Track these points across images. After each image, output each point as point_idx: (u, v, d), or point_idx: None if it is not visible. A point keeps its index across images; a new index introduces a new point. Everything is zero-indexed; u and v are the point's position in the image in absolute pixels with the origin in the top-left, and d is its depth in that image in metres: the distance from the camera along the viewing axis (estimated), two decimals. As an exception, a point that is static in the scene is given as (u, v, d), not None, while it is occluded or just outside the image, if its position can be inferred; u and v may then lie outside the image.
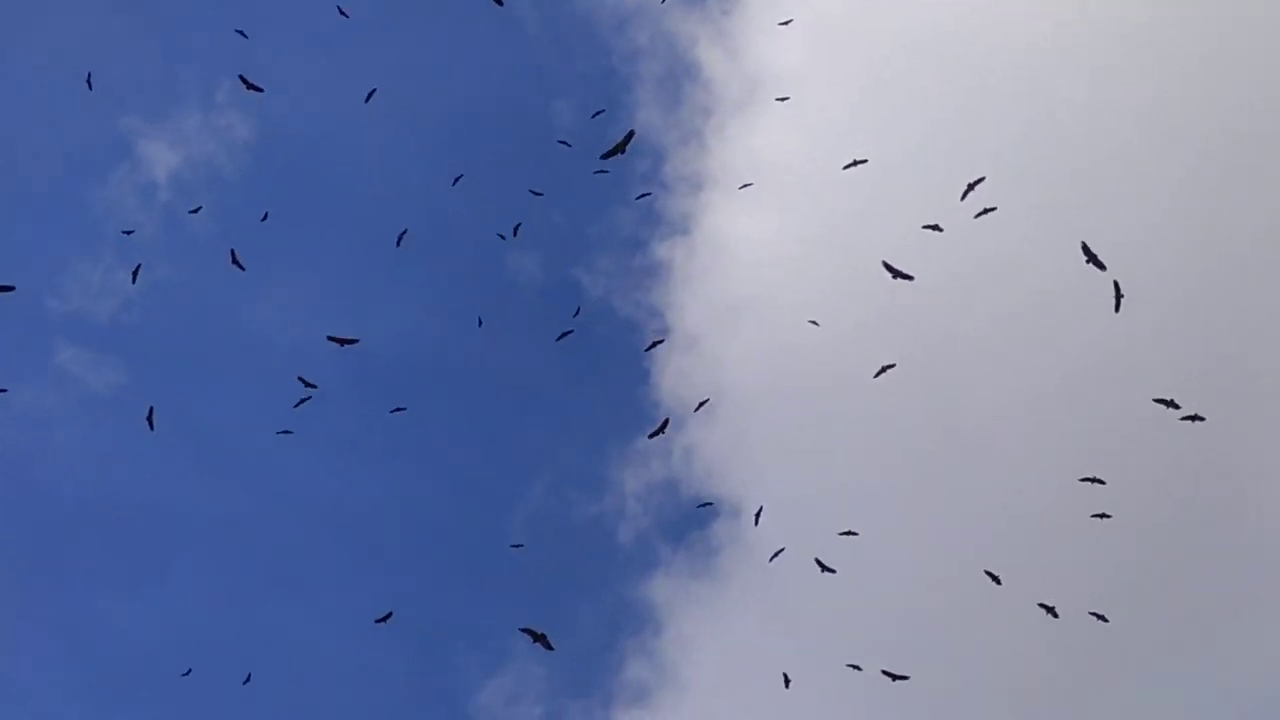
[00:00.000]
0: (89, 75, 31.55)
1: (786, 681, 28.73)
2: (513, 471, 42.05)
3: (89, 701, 39.08)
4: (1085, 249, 24.49)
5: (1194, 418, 26.35)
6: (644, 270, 42.46)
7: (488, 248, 36.50)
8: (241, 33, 30.66)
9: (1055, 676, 34.44)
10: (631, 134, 24.04)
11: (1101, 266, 24.51)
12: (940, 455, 36.41)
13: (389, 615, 29.40)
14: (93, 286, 40.59)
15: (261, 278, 31.74)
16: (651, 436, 29.70)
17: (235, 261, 29.81)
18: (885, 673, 27.47)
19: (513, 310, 41.28)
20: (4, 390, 28.83)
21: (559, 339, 31.14)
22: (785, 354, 37.19)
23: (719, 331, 40.73)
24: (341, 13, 30.98)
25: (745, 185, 34.49)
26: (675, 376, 39.80)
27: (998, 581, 27.29)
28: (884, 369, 28.40)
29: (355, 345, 28.52)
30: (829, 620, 35.63)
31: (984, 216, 26.88)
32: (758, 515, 29.57)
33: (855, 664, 28.29)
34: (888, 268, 26.36)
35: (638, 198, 41.42)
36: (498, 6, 29.67)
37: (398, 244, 30.87)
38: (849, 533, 28.31)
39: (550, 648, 25.98)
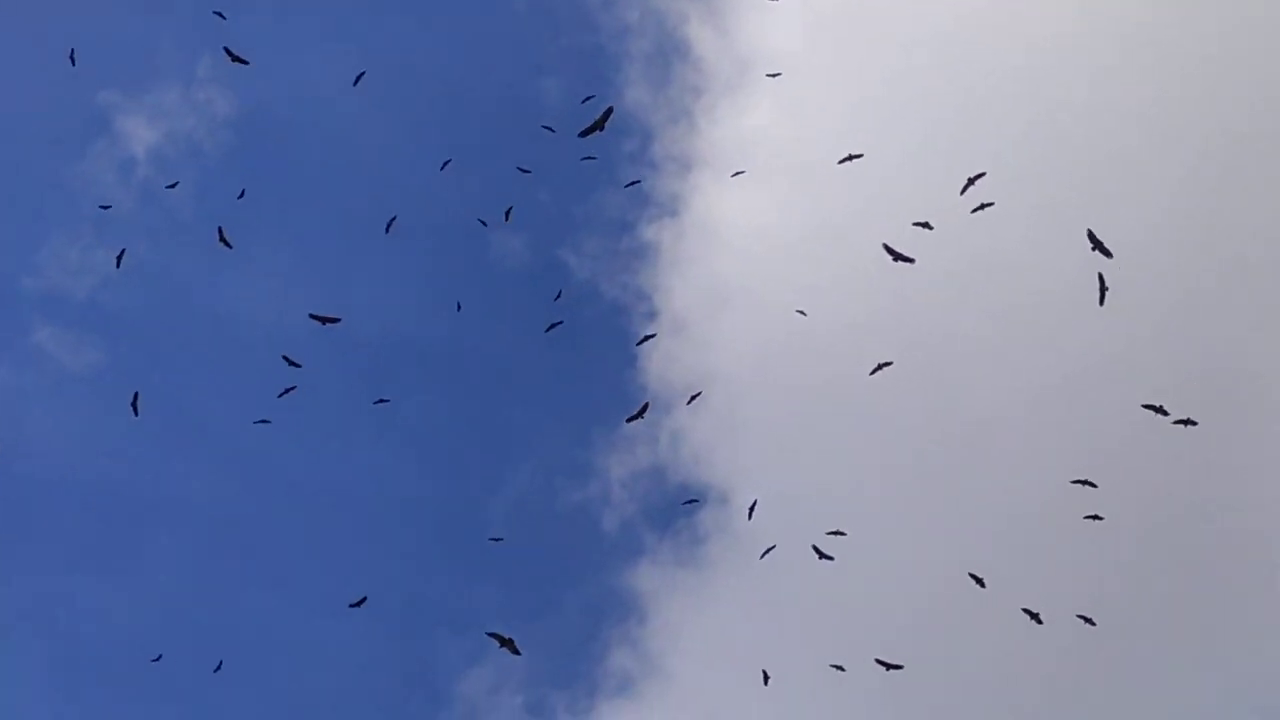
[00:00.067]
0: (72, 51, 30.87)
1: (766, 679, 28.53)
2: (496, 457, 41.59)
3: (61, 685, 38.71)
4: (1091, 236, 24.31)
5: (1186, 422, 26.05)
6: (632, 252, 42.03)
7: (472, 228, 35.78)
8: (220, 14, 29.85)
9: (1044, 676, 34.11)
10: (610, 110, 23.45)
11: (1108, 254, 24.39)
12: (934, 447, 36.08)
13: (363, 600, 28.88)
14: (70, 264, 40.12)
15: (242, 256, 31.16)
16: (630, 420, 29.15)
17: (222, 239, 29.28)
18: (879, 661, 27.13)
19: (497, 292, 40.88)
20: None
21: (548, 330, 30.52)
22: (776, 339, 36.73)
23: (708, 316, 40.36)
24: None
25: (737, 173, 33.84)
26: (663, 361, 39.34)
27: (981, 584, 27.04)
28: (880, 366, 28.15)
29: (337, 326, 28.16)
30: (817, 610, 35.40)
31: (981, 211, 26.79)
32: (751, 509, 29.33)
33: (838, 665, 28.18)
34: (889, 250, 26.14)
35: (627, 185, 41.17)
36: None
37: (386, 230, 30.18)
38: (837, 532, 27.81)
39: (517, 652, 25.51)
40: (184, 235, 39.75)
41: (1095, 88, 39.73)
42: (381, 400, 30.52)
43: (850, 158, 28.78)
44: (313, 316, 27.49)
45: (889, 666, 27.16)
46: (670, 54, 43.39)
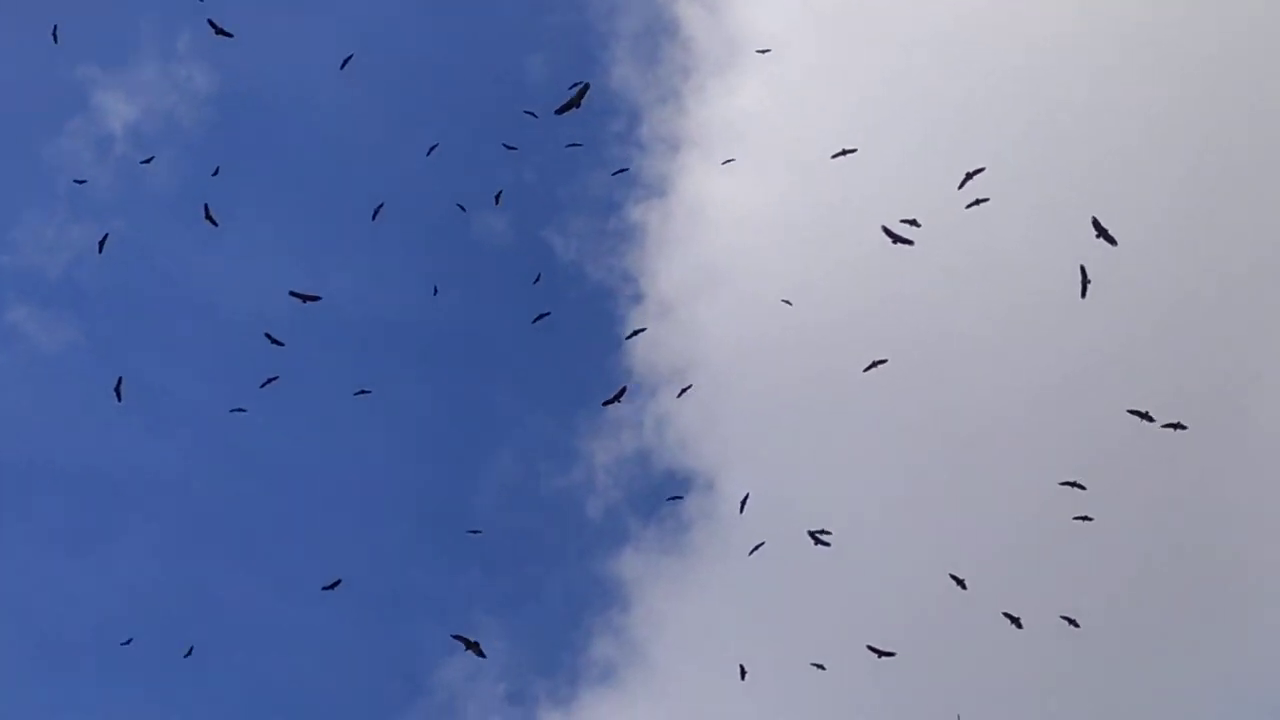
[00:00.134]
0: (55, 28, 30.24)
1: (743, 673, 28.14)
2: (479, 441, 41.28)
3: (34, 665, 38.27)
4: (1095, 224, 24.10)
5: (1176, 426, 25.78)
6: (618, 234, 41.61)
7: (456, 207, 35.34)
8: None
9: (1029, 675, 33.81)
10: (586, 87, 22.99)
11: (1112, 241, 24.09)
12: (924, 434, 35.67)
13: (337, 582, 28.35)
14: (45, 242, 39.66)
15: (222, 235, 30.77)
16: (607, 404, 28.68)
17: (208, 217, 28.73)
18: (871, 648, 26.71)
19: (481, 274, 40.50)
20: None
21: (535, 320, 30.01)
22: (764, 324, 36.23)
23: (695, 299, 39.96)
24: None
25: (728, 160, 33.39)
26: (649, 344, 38.94)
27: (962, 586, 26.68)
28: (874, 364, 27.75)
29: (318, 308, 27.74)
30: (803, 599, 35.10)
31: (974, 207, 26.43)
32: (743, 503, 28.79)
33: (819, 663, 27.86)
34: (887, 232, 25.93)
35: (615, 173, 40.83)
36: None
37: (373, 217, 29.67)
38: (823, 533, 27.43)
39: (482, 655, 25.03)
40: (162, 213, 39.53)
41: (1095, 88, 39.56)
42: (362, 391, 30.06)
43: (843, 152, 28.39)
44: (293, 294, 26.96)
45: (880, 654, 26.76)
46: (659, 33, 43.05)
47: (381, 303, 40.41)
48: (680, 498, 38.52)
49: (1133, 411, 25.85)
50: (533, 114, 30.24)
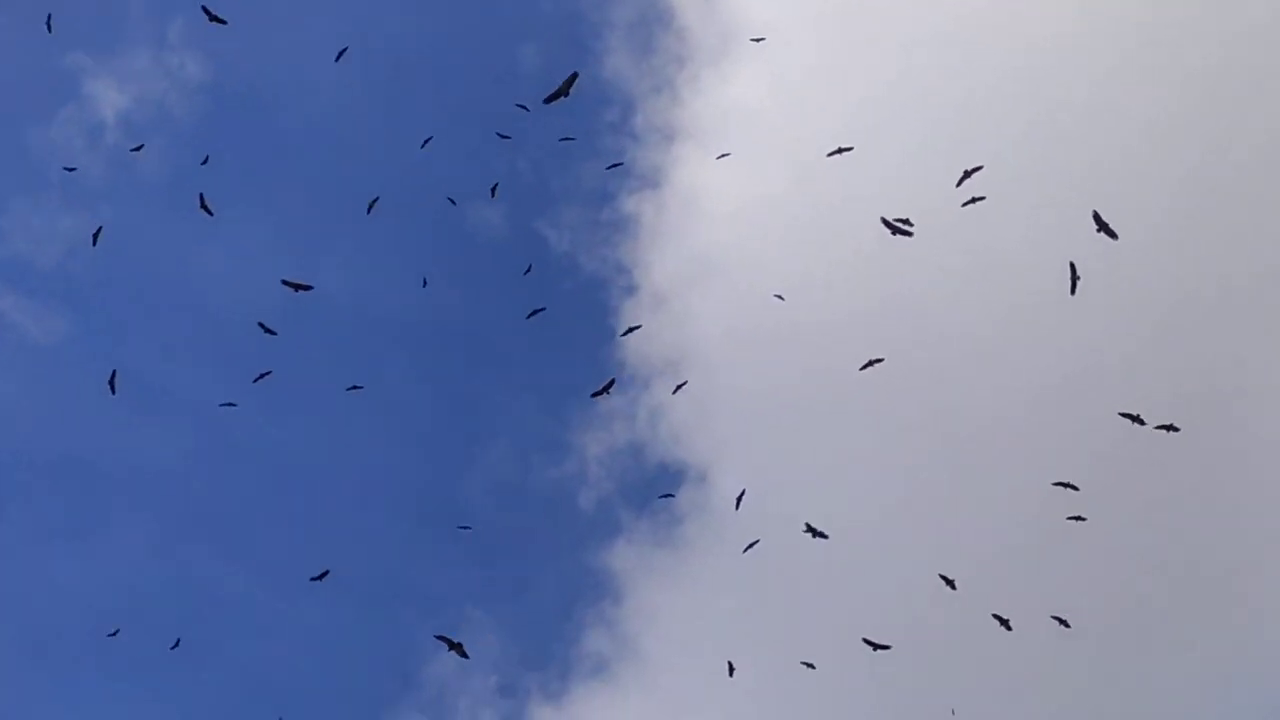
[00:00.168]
0: (49, 17, 30.01)
1: (731, 670, 28.20)
2: (470, 432, 41.10)
3: (21, 655, 38.05)
4: (1096, 218, 24.08)
5: (1168, 428, 25.92)
6: (611, 225, 41.40)
7: (449, 196, 35.15)
8: None
9: (1015, 673, 33.72)
10: (574, 76, 22.80)
11: (1113, 235, 24.11)
12: (918, 426, 35.57)
13: (325, 573, 28.30)
14: (35, 231, 39.39)
15: (213, 225, 30.60)
16: (595, 395, 28.55)
17: (204, 206, 28.60)
18: (866, 641, 26.71)
19: (473, 264, 40.31)
20: None
21: (530, 316, 29.91)
22: (757, 316, 36.07)
23: (689, 291, 39.78)
24: None
25: (724, 155, 33.29)
26: (642, 336, 38.62)
27: (952, 586, 26.70)
28: (870, 363, 27.75)
29: (309, 297, 27.61)
30: (795, 592, 34.96)
31: (968, 203, 26.40)
32: (739, 499, 28.77)
33: (809, 661, 27.94)
34: (886, 223, 25.87)
35: (609, 167, 40.37)
36: None
37: (368, 211, 29.59)
38: (813, 530, 27.32)
39: (465, 655, 25.10)
40: (154, 203, 39.33)
41: (1095, 88, 39.42)
42: (354, 387, 29.90)
43: (839, 150, 28.28)
44: (285, 283, 26.86)
45: (876, 646, 26.76)
46: (653, 22, 42.83)
47: (374, 294, 40.27)
48: (671, 495, 38.44)
49: (1124, 414, 25.94)
50: (524, 107, 30.10)
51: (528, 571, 40.42)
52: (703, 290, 39.66)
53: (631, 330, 32.95)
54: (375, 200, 29.70)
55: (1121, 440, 26.45)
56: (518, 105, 30.36)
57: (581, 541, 40.50)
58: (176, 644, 29.20)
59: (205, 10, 27.40)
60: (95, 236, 29.67)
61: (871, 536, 34.28)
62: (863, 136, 29.41)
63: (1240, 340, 37.28)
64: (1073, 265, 24.38)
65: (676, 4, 42.62)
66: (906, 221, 26.18)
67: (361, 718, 38.11)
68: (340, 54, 30.05)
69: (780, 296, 30.20)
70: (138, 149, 34.68)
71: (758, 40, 35.14)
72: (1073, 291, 24.55)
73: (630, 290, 40.21)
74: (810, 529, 27.34)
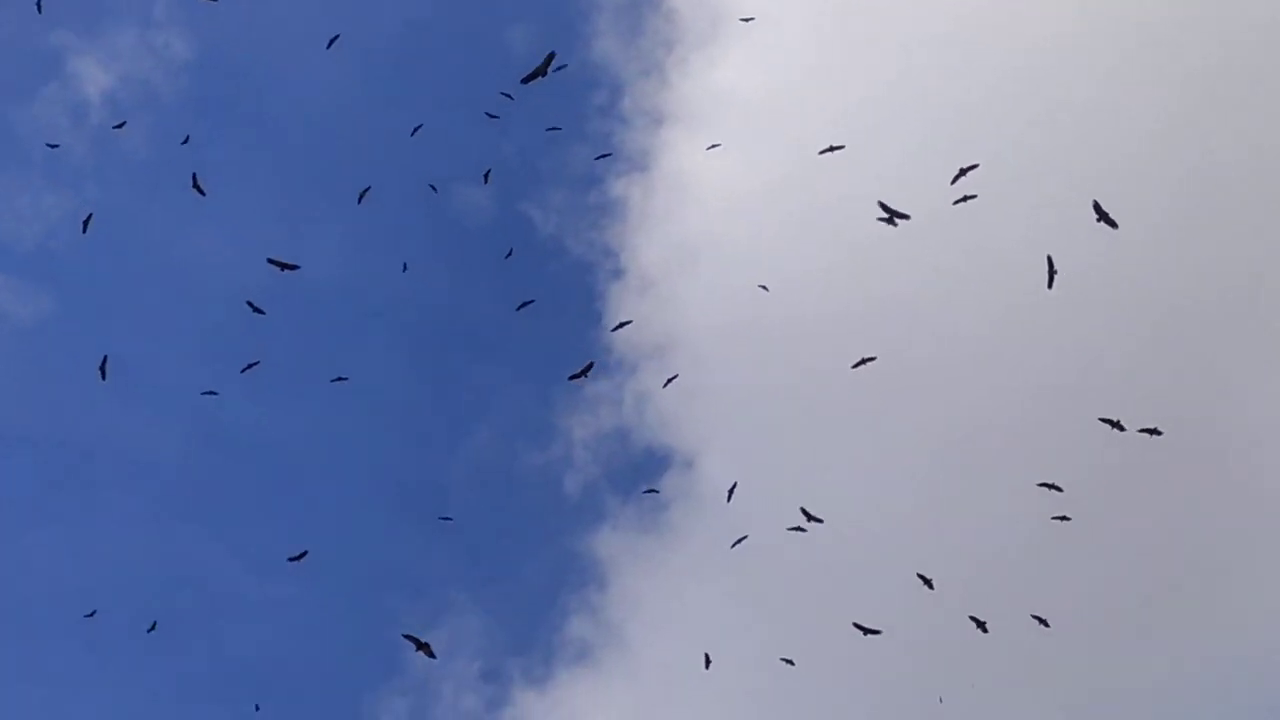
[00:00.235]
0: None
1: (707, 662, 28.10)
2: (456, 416, 40.89)
3: (6, 633, 37.86)
4: (1096, 207, 24.12)
5: (1152, 431, 26.05)
6: (599, 208, 41.19)
7: (435, 179, 34.93)
8: None
9: (995, 672, 33.64)
10: (552, 55, 22.65)
11: (1113, 225, 24.14)
12: (906, 411, 35.42)
13: (304, 554, 28.22)
14: (19, 211, 39.17)
15: (197, 204, 30.40)
16: (573, 379, 28.38)
17: (196, 186, 28.47)
18: (857, 625, 26.71)
19: (460, 247, 40.10)
20: None
21: (519, 309, 29.95)
22: (745, 301, 35.84)
23: (676, 275, 39.59)
24: None
25: (714, 145, 33.09)
26: (628, 320, 38.53)
27: (929, 585, 26.69)
28: (862, 361, 27.67)
29: (293, 280, 27.49)
30: (781, 579, 34.79)
31: (961, 199, 26.39)
32: (730, 492, 28.73)
33: (788, 658, 28.05)
34: (883, 207, 25.78)
35: (597, 158, 40.68)
36: None
37: (359, 201, 29.37)
38: (809, 515, 27.24)
39: (433, 656, 25.26)
40: (137, 181, 39.10)
41: (1095, 88, 39.27)
42: (340, 378, 29.74)
43: (831, 149, 28.05)
44: (271, 261, 26.66)
45: (866, 631, 26.74)
46: (642, 5, 42.68)
47: (359, 277, 40.07)
48: (655, 491, 38.18)
49: (1104, 420, 25.97)
50: (509, 96, 29.89)
51: (512, 557, 40.34)
52: (691, 275, 39.58)
53: (622, 325, 32.74)
54: (366, 190, 29.53)
55: (1115, 441, 26.40)
56: (502, 94, 30.18)
57: (566, 527, 40.39)
58: (153, 627, 29.03)
59: None
60: (85, 224, 29.49)
61: (858, 524, 34.20)
62: (855, 124, 29.67)
63: (1237, 342, 37.34)
64: (1050, 259, 24.37)
65: (666, -13, 42.54)
66: (892, 218, 26.23)
67: (345, 702, 38.01)
68: (332, 41, 29.91)
69: (765, 287, 30.12)
70: (119, 126, 34.53)
71: (747, 20, 35.02)
72: (1050, 285, 24.50)
73: (617, 274, 40.08)
74: (805, 513, 27.27)
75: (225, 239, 39.07)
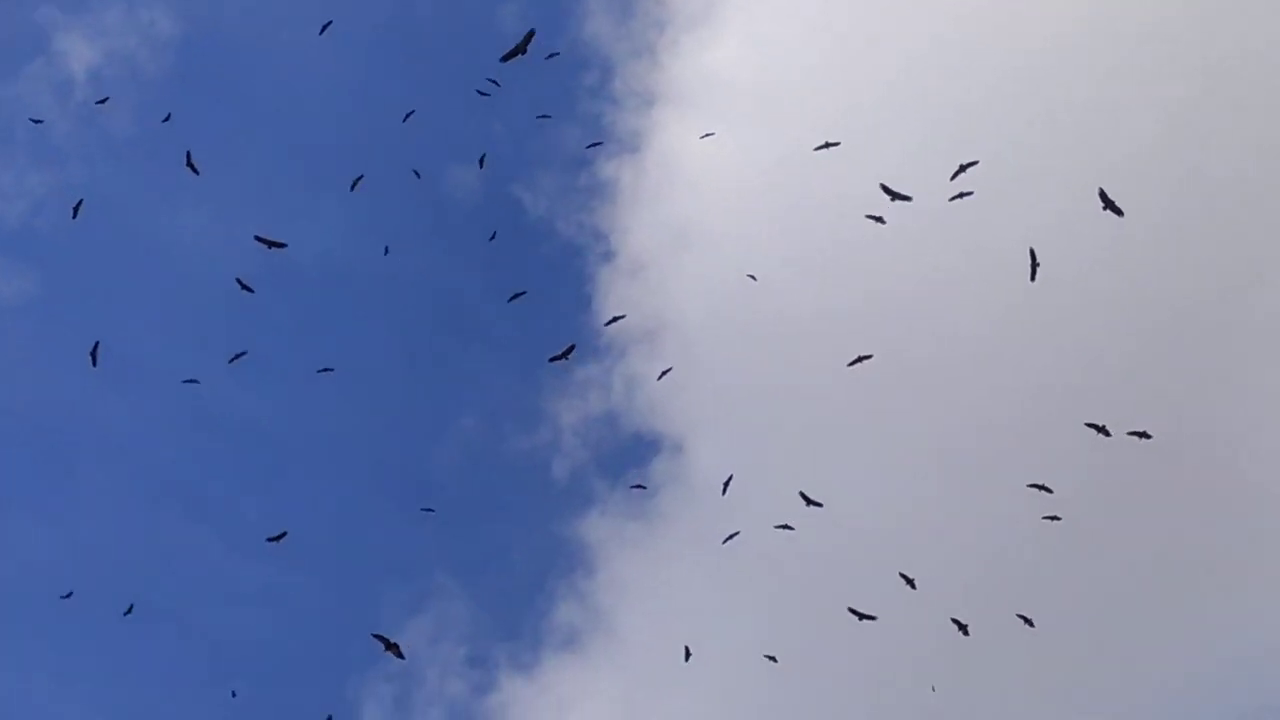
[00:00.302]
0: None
1: (687, 655, 27.77)
2: (443, 399, 40.58)
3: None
4: (1102, 195, 23.78)
5: (1141, 434, 25.84)
6: (589, 190, 40.87)
7: (423, 161, 34.61)
8: None
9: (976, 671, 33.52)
10: (531, 33, 22.34)
11: (1119, 213, 23.81)
12: (896, 394, 35.15)
13: (283, 534, 27.81)
14: (3, 188, 38.81)
15: (183, 182, 30.10)
16: (553, 360, 28.08)
17: (190, 164, 28.02)
18: (852, 610, 26.51)
19: (448, 228, 39.81)
20: None
21: (511, 300, 29.49)
22: (736, 285, 35.53)
23: (667, 258, 39.32)
24: None
25: (707, 135, 33.02)
26: (619, 303, 38.48)
27: (912, 585, 26.49)
28: (859, 359, 27.36)
29: (279, 261, 27.38)
30: (771, 566, 34.56)
31: (957, 196, 26.00)
32: (726, 484, 28.32)
33: (771, 655, 27.65)
34: (885, 189, 25.63)
35: (589, 146, 40.20)
36: None
37: (352, 188, 29.13)
38: (807, 499, 27.04)
39: (401, 656, 25.04)
40: (123, 160, 38.79)
41: (1095, 88, 39.07)
42: (326, 369, 29.47)
43: (826, 145, 27.79)
44: (258, 239, 26.40)
45: (861, 616, 26.52)
46: (634, -16, 42.29)
47: (346, 258, 39.73)
48: (643, 487, 37.92)
49: (1090, 425, 25.79)
50: (495, 82, 29.58)
51: (499, 542, 40.08)
52: (682, 259, 39.33)
53: (616, 319, 32.43)
54: (359, 179, 29.25)
55: (1115, 441, 26.27)
56: (489, 80, 29.86)
57: (554, 512, 40.09)
58: (129, 610, 28.68)
59: None
60: (76, 210, 29.16)
61: (850, 514, 34.02)
62: (852, 113, 29.32)
63: (1237, 341, 37.17)
64: (1032, 252, 24.22)
65: (658, -34, 42.25)
66: (880, 220, 26.20)
67: (329, 687, 37.70)
68: (325, 28, 29.62)
69: (753, 277, 29.87)
70: (102, 101, 34.27)
71: None
72: (1032, 278, 24.35)
73: (607, 256, 39.79)
74: (805, 498, 27.04)
75: (211, 218, 38.83)
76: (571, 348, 28.02)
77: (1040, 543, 30.31)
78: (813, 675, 32.62)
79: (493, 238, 31.68)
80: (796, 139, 36.33)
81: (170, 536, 38.08)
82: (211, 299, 35.39)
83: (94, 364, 27.41)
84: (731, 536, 28.21)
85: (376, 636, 24.87)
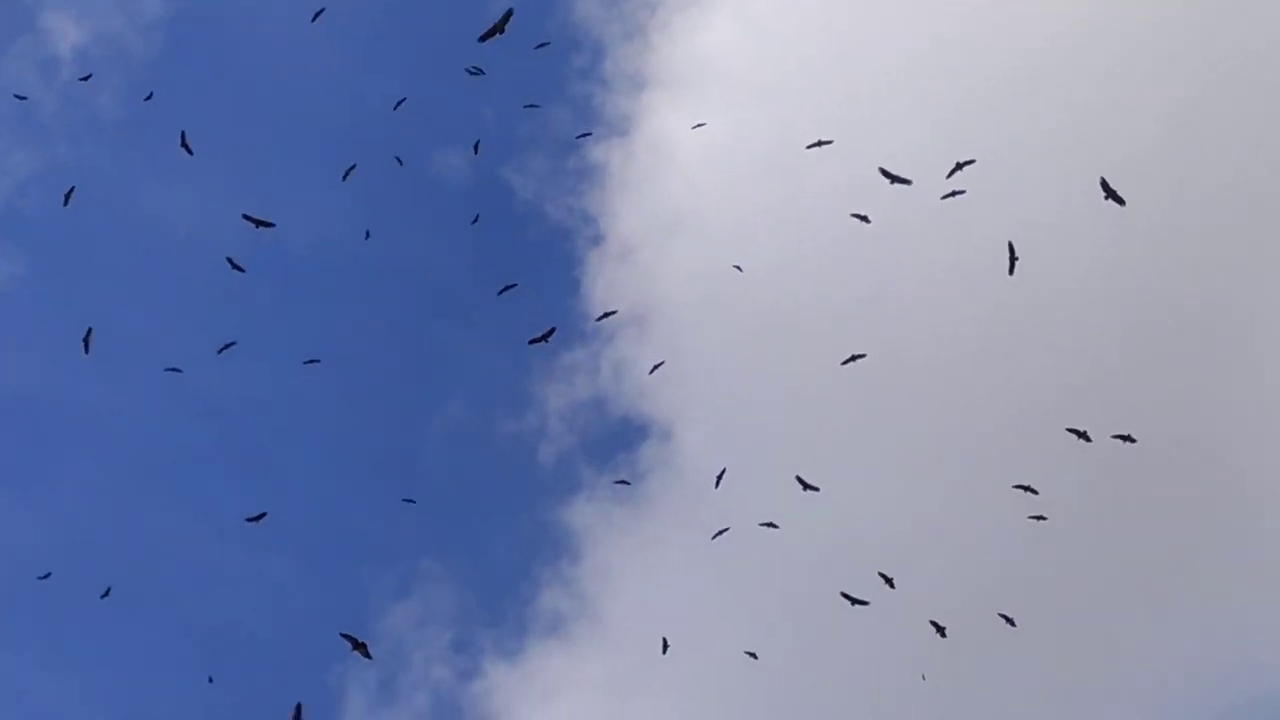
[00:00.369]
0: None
1: (665, 646, 27.95)
2: (430, 383, 40.34)
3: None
4: (1104, 184, 23.95)
5: (1125, 438, 26.06)
6: (578, 173, 40.64)
7: (414, 143, 34.40)
8: None
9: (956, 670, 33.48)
10: (509, 13, 22.20)
11: (1121, 201, 23.98)
12: (887, 384, 35.01)
13: (263, 515, 27.80)
14: (-13, 168, 38.49)
15: (168, 163, 29.90)
16: (533, 343, 27.95)
17: (184, 144, 28.03)
18: (844, 595, 26.50)
19: (436, 211, 39.59)
20: None
21: (501, 293, 29.30)
22: (725, 269, 35.43)
23: (656, 242, 39.13)
24: None
25: (699, 125, 32.94)
26: (607, 287, 38.30)
27: (891, 585, 26.53)
28: (853, 357, 27.45)
29: (265, 243, 27.29)
30: (757, 552, 34.40)
31: (950, 194, 26.13)
32: (719, 478, 28.31)
33: (752, 652, 27.72)
34: (885, 173, 25.72)
35: (578, 137, 40.29)
36: None
37: (344, 178, 29.07)
38: (804, 484, 26.95)
39: (369, 656, 24.99)
40: (108, 139, 38.58)
41: (1095, 88, 38.94)
42: (312, 360, 29.30)
43: (819, 143, 27.86)
44: (246, 218, 26.28)
45: (854, 601, 26.49)
46: (623, -35, 42.07)
47: (333, 241, 39.49)
48: (627, 482, 37.74)
49: (1072, 430, 25.96)
50: (481, 70, 29.37)
51: (485, 527, 39.91)
52: (671, 243, 39.16)
53: (607, 315, 32.21)
54: (352, 168, 29.05)
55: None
56: (476, 68, 29.64)
57: (541, 497, 39.97)
58: (107, 593, 28.49)
59: None
60: (67, 197, 28.96)
61: (838, 492, 33.96)
62: (844, 98, 29.13)
63: (1236, 341, 37.11)
64: (1011, 246, 24.30)
65: (648, -53, 42.03)
66: (864, 218, 26.18)
67: (313, 671, 37.51)
68: (317, 15, 29.41)
69: (739, 268, 30.03)
70: (86, 78, 34.05)
71: None
72: (1011, 272, 24.45)
73: (596, 240, 39.61)
74: (801, 482, 27.06)
75: (199, 200, 38.58)
76: (552, 330, 27.91)
77: (1038, 542, 30.25)
78: (799, 662, 32.58)
79: (475, 220, 31.49)
80: (789, 123, 36.36)
81: (155, 520, 37.93)
82: (198, 281, 35.19)
83: (86, 351, 27.28)
84: (721, 533, 28.18)
85: (345, 636, 24.74)
